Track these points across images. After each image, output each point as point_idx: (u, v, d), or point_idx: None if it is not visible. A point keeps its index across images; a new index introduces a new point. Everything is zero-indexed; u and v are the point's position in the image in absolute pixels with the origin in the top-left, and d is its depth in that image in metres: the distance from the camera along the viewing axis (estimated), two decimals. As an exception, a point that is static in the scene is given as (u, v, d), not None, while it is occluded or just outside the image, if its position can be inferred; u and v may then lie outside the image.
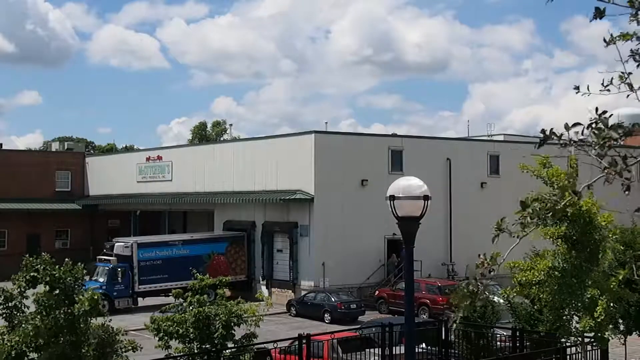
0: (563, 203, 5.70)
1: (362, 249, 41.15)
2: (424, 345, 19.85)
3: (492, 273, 6.05)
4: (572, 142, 5.53)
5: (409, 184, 9.77)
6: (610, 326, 18.02)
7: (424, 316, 34.87)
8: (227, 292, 17.48)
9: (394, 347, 19.12)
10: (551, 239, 15.82)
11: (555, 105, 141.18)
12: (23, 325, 14.22)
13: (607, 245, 16.02)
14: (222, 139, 79.22)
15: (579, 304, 15.67)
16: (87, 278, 16.78)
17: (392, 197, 9.60)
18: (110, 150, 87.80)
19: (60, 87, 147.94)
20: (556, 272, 15.38)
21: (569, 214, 15.22)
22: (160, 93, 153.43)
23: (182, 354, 16.09)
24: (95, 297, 14.67)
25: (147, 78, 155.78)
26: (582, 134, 5.50)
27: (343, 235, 40.84)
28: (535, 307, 17.87)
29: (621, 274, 13.26)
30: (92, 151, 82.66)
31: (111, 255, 41.36)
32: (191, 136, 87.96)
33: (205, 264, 41.11)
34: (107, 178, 57.93)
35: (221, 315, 15.87)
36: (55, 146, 69.70)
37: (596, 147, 5.33)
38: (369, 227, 40.70)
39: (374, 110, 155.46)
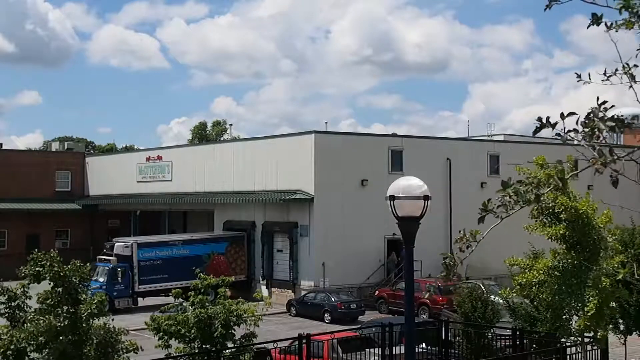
0: (547, 190, 5.69)
1: (362, 249, 41.14)
2: (424, 345, 19.85)
3: (470, 249, 6.11)
4: (566, 131, 5.49)
5: (409, 184, 9.77)
6: (610, 326, 18.05)
7: (424, 316, 34.88)
8: (227, 292, 17.47)
9: (394, 347, 19.12)
10: (550, 240, 15.82)
11: (555, 105, 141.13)
12: (26, 324, 14.23)
13: (606, 245, 16.01)
14: (222, 139, 79.20)
15: (579, 304, 15.67)
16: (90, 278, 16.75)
17: (392, 197, 9.60)
18: (110, 150, 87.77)
19: (60, 87, 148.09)
20: (556, 272, 15.38)
21: (564, 218, 15.24)
22: (160, 93, 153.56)
23: (182, 354, 16.09)
24: (102, 299, 14.69)
25: (147, 78, 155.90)
26: (577, 124, 5.48)
27: (343, 235, 40.83)
28: (535, 306, 17.88)
29: (621, 273, 13.25)
30: (92, 151, 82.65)
31: (111, 255, 41.36)
32: (191, 136, 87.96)
33: (205, 264, 41.08)
34: (107, 178, 57.92)
35: (220, 314, 15.87)
36: (55, 146, 69.70)
37: (586, 138, 5.32)
38: (369, 227, 40.69)
39: (374, 110, 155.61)
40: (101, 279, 39.97)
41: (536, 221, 15.77)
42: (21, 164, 57.33)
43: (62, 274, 14.31)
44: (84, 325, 14.30)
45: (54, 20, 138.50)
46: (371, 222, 40.18)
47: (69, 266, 14.57)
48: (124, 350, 14.84)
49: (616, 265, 16.23)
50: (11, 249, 53.48)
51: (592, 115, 5.35)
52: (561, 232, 15.30)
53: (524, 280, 15.77)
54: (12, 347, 13.81)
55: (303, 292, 39.58)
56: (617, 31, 5.43)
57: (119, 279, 40.30)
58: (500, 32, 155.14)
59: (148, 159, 54.42)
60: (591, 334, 16.09)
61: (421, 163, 42.00)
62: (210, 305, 16.28)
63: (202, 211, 50.84)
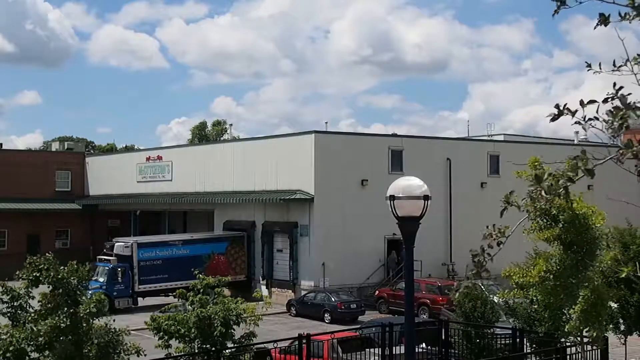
0: (578, 177, 5.47)
1: (362, 249, 41.15)
2: (424, 345, 19.85)
3: (500, 246, 5.87)
4: (586, 119, 5.32)
5: (409, 184, 9.77)
6: (611, 326, 18.05)
7: (424, 316, 34.88)
8: (227, 292, 17.48)
9: (394, 347, 19.12)
10: (547, 242, 15.80)
11: (555, 105, 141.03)
12: (26, 326, 14.22)
13: (601, 245, 16.02)
14: (222, 139, 79.21)
15: (576, 305, 15.67)
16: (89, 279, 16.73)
17: (392, 197, 9.60)
18: (110, 150, 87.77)
19: (60, 87, 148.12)
20: (550, 275, 15.35)
21: (561, 220, 15.24)
22: (160, 93, 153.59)
23: (182, 354, 16.08)
24: (101, 298, 14.67)
25: (147, 78, 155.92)
26: (597, 112, 5.29)
27: (343, 235, 40.83)
28: (534, 307, 17.88)
29: (624, 271, 13.23)
30: (92, 151, 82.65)
31: (111, 255, 41.36)
32: (191, 136, 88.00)
33: (205, 264, 41.10)
34: (107, 178, 57.92)
35: (219, 313, 15.86)
36: (55, 146, 69.71)
37: (612, 127, 5.15)
38: (369, 227, 40.69)
39: (374, 110, 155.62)
40: (101, 279, 39.98)
41: (532, 223, 15.75)
42: (21, 164, 57.31)
43: (60, 277, 14.26)
44: (84, 325, 14.29)
45: (54, 20, 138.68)
46: (371, 222, 40.17)
47: (67, 267, 14.52)
48: (126, 352, 14.82)
49: (609, 262, 16.23)
50: (11, 249, 53.50)
51: (611, 100, 5.15)
52: (556, 232, 15.29)
53: (521, 280, 15.75)
54: (11, 348, 13.79)
55: (303, 292, 39.58)
56: (630, 22, 5.31)
57: (119, 279, 40.30)
58: (499, 32, 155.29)
59: (148, 159, 54.42)
60: (589, 335, 16.09)
61: (421, 163, 41.99)
62: (213, 305, 16.26)
63: (202, 211, 50.84)
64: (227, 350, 16.26)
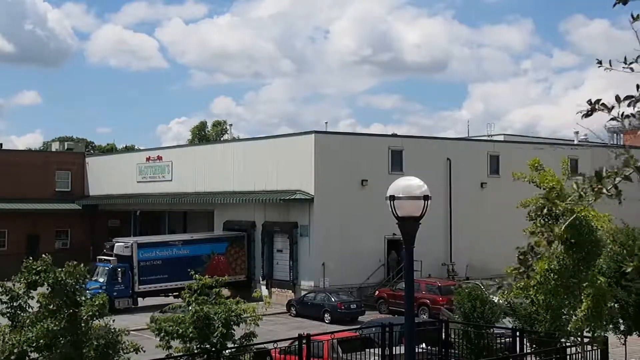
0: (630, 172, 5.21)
1: (362, 249, 41.14)
2: (424, 345, 19.85)
3: (552, 245, 5.58)
4: (623, 116, 5.15)
5: (409, 184, 9.77)
6: (610, 326, 18.05)
7: (424, 316, 34.88)
8: (227, 292, 17.47)
9: (394, 347, 19.12)
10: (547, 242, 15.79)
11: (555, 105, 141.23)
12: (25, 328, 14.20)
13: (604, 245, 16.03)
14: (222, 139, 79.22)
15: (576, 304, 15.68)
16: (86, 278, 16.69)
17: (392, 197, 9.60)
18: (110, 150, 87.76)
19: (60, 87, 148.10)
20: (552, 274, 15.37)
21: (562, 221, 15.23)
22: (160, 93, 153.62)
23: (182, 354, 16.07)
24: (103, 301, 14.65)
25: (147, 78, 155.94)
26: (633, 107, 5.11)
27: (343, 235, 40.83)
28: (535, 307, 17.87)
29: (630, 266, 13.24)
30: (92, 151, 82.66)
31: (111, 255, 41.34)
32: (191, 136, 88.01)
33: (205, 264, 41.12)
34: (107, 178, 57.91)
35: (220, 314, 15.86)
36: (55, 146, 69.71)
37: None
38: (369, 227, 40.69)
39: (374, 110, 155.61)
40: (101, 279, 39.97)
41: (533, 223, 15.76)
42: (21, 164, 57.32)
43: (58, 278, 14.23)
44: (83, 326, 14.28)
45: (53, 20, 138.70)
46: (371, 222, 40.17)
47: (64, 269, 14.47)
48: (125, 351, 14.82)
49: (607, 260, 16.24)
50: (11, 249, 53.50)
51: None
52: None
53: (522, 283, 15.75)
54: (15, 350, 13.80)
55: (303, 292, 39.58)
56: None
57: (119, 279, 40.29)
58: (499, 32, 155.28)
59: (148, 159, 54.41)
60: (590, 334, 16.09)
61: (421, 163, 41.99)
62: (209, 305, 16.25)
63: (202, 211, 50.84)
64: (227, 351, 16.25)
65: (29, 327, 14.14)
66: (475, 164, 46.47)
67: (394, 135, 50.29)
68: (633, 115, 5.16)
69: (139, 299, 41.29)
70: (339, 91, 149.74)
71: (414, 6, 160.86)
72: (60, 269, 14.48)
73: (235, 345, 16.36)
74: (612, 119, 5.24)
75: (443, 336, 20.51)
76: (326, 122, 74.29)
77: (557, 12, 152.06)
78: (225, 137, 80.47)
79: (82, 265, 14.96)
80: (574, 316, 16.25)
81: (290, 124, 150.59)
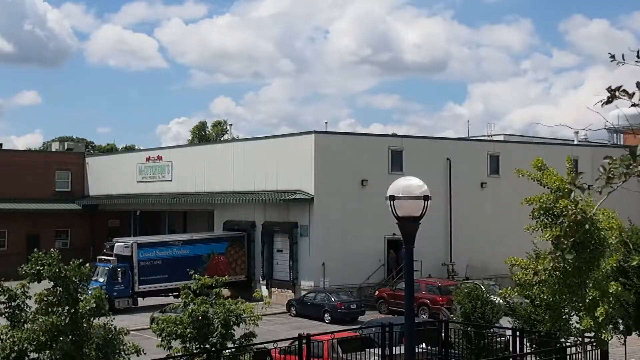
0: None
1: (362, 249, 41.13)
2: (424, 345, 19.85)
3: (583, 227, 5.47)
4: None
5: (409, 184, 9.77)
6: (610, 326, 18.04)
7: (424, 316, 34.88)
8: (227, 292, 17.46)
9: (394, 347, 19.12)
10: (551, 240, 15.81)
11: (555, 105, 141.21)
12: (26, 325, 14.21)
13: (608, 246, 16.02)
14: (222, 139, 79.22)
15: (580, 304, 15.68)
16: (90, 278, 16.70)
17: (392, 197, 9.60)
18: (110, 150, 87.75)
19: (60, 87, 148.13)
20: (557, 272, 15.38)
21: (567, 222, 15.21)
22: (160, 93, 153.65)
23: (181, 354, 16.06)
24: (101, 295, 14.66)
25: (146, 78, 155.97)
26: None
27: (343, 235, 40.83)
28: (535, 307, 17.87)
29: (635, 259, 13.28)
30: (92, 151, 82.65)
31: (111, 255, 41.34)
32: (191, 136, 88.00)
33: (205, 264, 41.12)
34: (107, 178, 57.91)
35: (219, 314, 15.84)
36: (55, 146, 69.70)
37: None
38: (369, 227, 40.69)
39: (374, 110, 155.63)
40: (101, 279, 39.93)
41: (537, 222, 15.78)
42: (21, 164, 57.32)
43: (62, 274, 14.28)
44: (84, 324, 14.28)
45: (53, 20, 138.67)
46: (371, 222, 40.17)
47: (70, 266, 14.54)
48: (125, 352, 14.80)
49: (614, 265, 16.24)
50: (11, 249, 53.49)
51: None
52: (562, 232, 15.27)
53: (525, 278, 15.76)
54: (15, 347, 13.80)
55: (303, 292, 39.57)
56: None
57: (119, 279, 40.28)
58: (499, 32, 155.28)
59: (148, 159, 54.41)
60: (592, 334, 16.09)
61: (421, 163, 42.00)
62: (209, 305, 16.23)
63: (202, 211, 50.84)
64: (227, 351, 16.24)
65: (29, 324, 14.14)
66: (475, 164, 46.46)
67: (394, 135, 50.26)
68: None
69: (139, 299, 41.28)
70: (338, 91, 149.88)
71: (414, 6, 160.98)
72: (64, 266, 14.51)
73: (235, 345, 16.36)
74: (633, 105, 5.20)
75: (443, 336, 20.51)
76: (326, 122, 74.38)
77: (556, 12, 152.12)
78: (225, 137, 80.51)
79: (87, 265, 14.99)
80: (575, 316, 16.26)
81: (290, 124, 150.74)
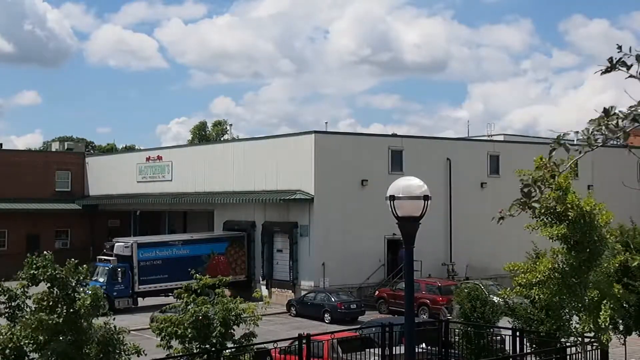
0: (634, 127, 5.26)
1: (362, 249, 41.14)
2: (424, 345, 19.84)
3: (555, 179, 5.64)
4: None
5: (409, 184, 9.77)
6: (610, 326, 18.06)
7: (424, 316, 34.88)
8: (227, 292, 17.44)
9: (394, 347, 19.12)
10: (551, 240, 15.83)
11: (555, 105, 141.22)
12: (26, 317, 14.21)
13: (607, 245, 16.03)
14: (222, 139, 79.23)
15: (579, 305, 15.69)
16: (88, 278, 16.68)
17: (392, 197, 9.59)
18: (110, 150, 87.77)
19: (60, 87, 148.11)
20: (556, 273, 15.39)
21: (570, 217, 15.24)
22: (159, 93, 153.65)
23: (181, 354, 16.05)
24: (97, 292, 14.65)
25: (146, 78, 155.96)
26: None
27: (343, 235, 40.83)
28: (535, 307, 17.88)
29: (636, 260, 13.29)
30: (92, 151, 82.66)
31: (111, 255, 41.35)
32: (191, 136, 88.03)
33: (205, 264, 41.12)
34: (107, 178, 57.91)
35: (218, 313, 15.83)
36: (55, 146, 69.71)
37: None
38: (369, 227, 40.69)
39: (373, 110, 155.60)
40: (101, 279, 39.94)
41: (537, 220, 15.78)
42: (21, 164, 57.32)
43: (58, 275, 14.26)
44: (84, 324, 14.27)
45: (53, 20, 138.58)
46: (371, 222, 40.18)
47: (66, 267, 14.52)
48: (126, 352, 14.79)
49: (616, 265, 16.26)
50: (11, 249, 53.50)
51: None
52: (562, 232, 15.30)
53: (524, 280, 15.77)
54: (10, 345, 13.79)
55: (303, 292, 39.57)
56: None
57: (119, 279, 40.29)
58: (498, 32, 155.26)
59: (148, 159, 54.41)
60: (592, 334, 16.10)
61: (421, 163, 42.01)
62: (209, 305, 16.22)
63: (202, 211, 50.84)
64: (227, 351, 16.23)
65: (26, 319, 14.14)
66: (475, 164, 46.46)
67: (394, 135, 50.28)
68: None
69: (139, 299, 41.29)
70: (338, 91, 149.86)
71: (414, 6, 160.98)
72: (61, 268, 14.50)
73: (235, 345, 16.35)
74: (630, 77, 5.27)
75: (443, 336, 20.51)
76: (326, 122, 74.44)
77: (556, 12, 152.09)
78: (225, 137, 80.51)
79: (84, 265, 14.98)
80: (575, 316, 16.26)
81: (289, 124, 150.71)
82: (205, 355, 15.95)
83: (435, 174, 42.19)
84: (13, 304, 14.70)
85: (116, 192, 56.35)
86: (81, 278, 14.66)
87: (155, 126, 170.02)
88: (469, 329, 20.02)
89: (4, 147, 64.53)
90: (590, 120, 5.36)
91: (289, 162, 42.20)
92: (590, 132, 5.34)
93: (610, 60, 5.30)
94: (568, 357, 17.01)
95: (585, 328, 15.66)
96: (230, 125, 78.86)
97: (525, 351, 18.32)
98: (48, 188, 58.16)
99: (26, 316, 14.40)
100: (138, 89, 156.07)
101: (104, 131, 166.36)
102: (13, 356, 13.92)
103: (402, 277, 36.02)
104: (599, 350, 17.45)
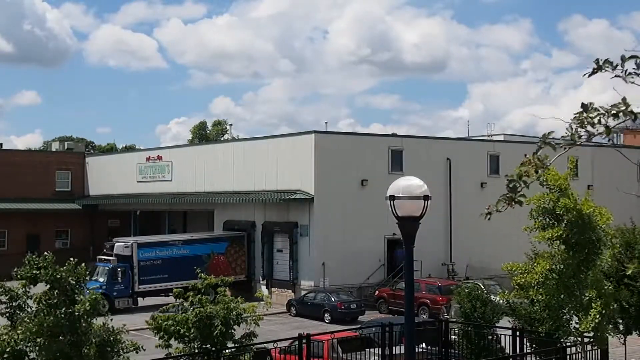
0: (617, 123, 5.33)
1: (362, 249, 41.14)
2: (424, 345, 19.84)
3: (539, 172, 5.74)
4: (626, 73, 5.30)
5: (409, 184, 9.77)
6: (610, 326, 18.06)
7: (424, 316, 34.88)
8: (227, 292, 17.44)
9: (394, 347, 19.12)
10: (548, 241, 15.83)
11: (555, 105, 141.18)
12: (25, 322, 14.20)
13: (605, 245, 16.04)
14: (222, 138, 79.21)
15: (577, 305, 15.69)
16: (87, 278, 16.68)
17: (392, 197, 9.60)
18: (110, 150, 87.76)
19: (59, 87, 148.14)
20: (554, 274, 15.39)
21: (566, 219, 15.25)
22: (159, 93, 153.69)
23: (182, 354, 16.06)
24: (96, 297, 14.65)
25: (146, 78, 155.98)
26: (638, 67, 5.27)
27: (343, 235, 40.83)
28: (535, 307, 17.88)
29: (630, 268, 13.28)
30: (92, 151, 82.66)
31: (111, 255, 41.35)
32: (191, 136, 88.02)
33: (205, 264, 41.08)
34: (107, 178, 57.92)
35: (220, 312, 15.84)
36: (55, 146, 69.71)
37: None
38: (369, 227, 40.69)
39: (373, 110, 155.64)
40: (101, 279, 39.97)
41: (535, 222, 15.79)
42: (21, 164, 57.33)
43: (58, 276, 14.26)
44: (82, 325, 14.27)
45: (52, 20, 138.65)
46: (371, 222, 40.18)
47: (65, 267, 14.51)
48: (124, 350, 14.81)
49: (608, 260, 16.26)
50: (11, 249, 53.49)
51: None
52: (560, 233, 15.31)
53: (522, 280, 15.78)
54: (8, 349, 13.78)
55: (303, 292, 39.57)
56: None
57: (119, 279, 40.30)
58: (498, 32, 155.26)
59: (148, 159, 54.42)
60: (591, 334, 16.10)
61: (421, 163, 42.01)
62: (210, 305, 16.23)
63: (202, 211, 50.84)
64: (227, 350, 16.24)
65: (25, 324, 14.14)
66: (475, 164, 46.46)
67: (394, 135, 50.27)
68: (637, 73, 5.30)
69: (139, 299, 41.30)
70: (338, 91, 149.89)
71: (413, 6, 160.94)
72: (61, 268, 14.50)
73: (236, 345, 16.35)
74: (616, 76, 5.32)
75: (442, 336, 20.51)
76: (326, 122, 74.45)
77: (555, 12, 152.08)
78: (225, 137, 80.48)
79: (82, 264, 14.97)
80: (575, 316, 16.27)
81: (289, 124, 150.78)
82: (205, 355, 15.95)
83: (435, 174, 42.19)
84: (14, 304, 14.69)
85: (116, 192, 56.36)
86: (80, 279, 14.66)
87: (155, 126, 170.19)
88: (468, 328, 20.02)
89: (4, 147, 64.54)
90: (572, 117, 5.43)
91: (289, 162, 42.20)
92: (573, 129, 5.40)
93: (597, 61, 5.36)
94: (568, 357, 17.01)
95: (582, 328, 15.66)
96: (230, 125, 78.85)
97: (525, 351, 18.32)
98: (48, 188, 58.16)
99: (26, 319, 14.38)
100: (138, 89, 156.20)
101: (104, 131, 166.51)
102: (13, 358, 13.92)
103: (402, 277, 36.03)
104: (599, 350, 17.45)
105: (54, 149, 68.03)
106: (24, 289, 14.71)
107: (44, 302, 14.24)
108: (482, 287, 22.86)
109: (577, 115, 5.38)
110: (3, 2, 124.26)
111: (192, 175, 49.62)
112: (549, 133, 5.62)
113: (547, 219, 15.65)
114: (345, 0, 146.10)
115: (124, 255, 41.09)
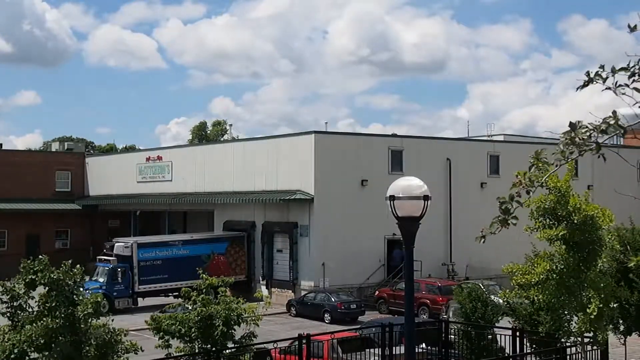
0: (608, 137, 5.43)
1: (362, 249, 41.14)
2: (424, 345, 19.85)
3: (530, 194, 5.84)
4: (617, 85, 5.36)
5: (409, 184, 9.77)
6: (610, 326, 18.08)
7: (424, 316, 34.89)
8: (227, 292, 17.44)
9: (394, 347, 19.12)
10: (549, 241, 15.84)
11: (554, 105, 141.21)
12: (26, 326, 14.21)
13: (605, 245, 16.04)
14: (222, 139, 79.22)
15: (577, 305, 15.69)
16: (87, 278, 16.70)
17: (392, 197, 9.60)
18: (110, 150, 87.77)
19: (59, 87, 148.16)
20: (554, 275, 15.40)
21: (575, 220, 15.26)
22: (159, 93, 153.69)
23: (182, 354, 16.06)
24: (98, 299, 14.65)
25: (145, 78, 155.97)
26: (629, 79, 5.35)
27: (343, 235, 40.83)
28: (535, 307, 17.88)
29: (633, 261, 13.30)
30: (92, 151, 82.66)
31: (111, 256, 41.35)
32: (191, 136, 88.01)
33: (205, 264, 41.06)
34: (107, 178, 57.92)
35: (221, 312, 15.84)
36: (55, 146, 69.73)
37: None
38: (369, 227, 40.69)
39: (373, 111, 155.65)
40: (101, 279, 39.99)
41: (535, 222, 15.79)
42: (21, 164, 57.31)
43: (54, 277, 14.27)
44: (82, 326, 14.29)
45: (52, 20, 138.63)
46: (371, 222, 40.18)
47: (61, 269, 14.51)
48: (124, 351, 14.82)
49: (605, 260, 16.28)
50: (11, 249, 53.49)
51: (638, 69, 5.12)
52: (561, 233, 15.32)
53: (523, 280, 15.78)
54: (6, 352, 13.80)
55: (303, 292, 39.58)
56: None
57: (119, 279, 40.29)
58: (497, 32, 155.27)
59: (148, 159, 54.42)
60: (591, 334, 16.10)
61: (421, 163, 42.02)
62: (213, 305, 16.23)
63: (202, 211, 50.84)
64: (227, 350, 16.24)
65: (28, 326, 14.15)
66: (475, 164, 46.47)
67: (394, 135, 50.29)
68: (627, 85, 5.36)
69: (139, 299, 41.29)
70: (337, 91, 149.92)
71: (412, 6, 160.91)
72: (57, 270, 14.49)
73: (236, 345, 16.35)
74: (607, 89, 5.40)
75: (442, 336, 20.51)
76: (326, 122, 74.46)
77: (555, 12, 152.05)
78: (225, 137, 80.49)
79: (78, 265, 14.96)
80: (575, 316, 16.28)
81: (289, 124, 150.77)
82: (206, 355, 15.96)
83: (435, 174, 42.20)
84: (15, 303, 14.69)
85: (116, 192, 56.36)
86: (77, 280, 14.66)
87: (155, 126, 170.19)
88: (469, 328, 20.02)
89: (3, 147, 64.54)
90: (561, 135, 5.54)
91: (289, 162, 42.21)
92: (562, 146, 5.54)
93: (587, 74, 5.44)
94: (568, 357, 17.02)
95: (582, 327, 15.67)
96: (230, 125, 78.84)
97: (525, 351, 18.32)
98: (48, 188, 58.16)
99: (26, 322, 14.38)
100: (137, 89, 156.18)
101: (103, 131, 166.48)
102: (13, 358, 13.93)
103: (402, 277, 36.04)
104: (599, 350, 17.45)
105: (53, 149, 68.04)
106: (25, 289, 14.70)
107: (44, 305, 14.24)
108: (482, 287, 22.85)
109: (566, 133, 5.47)
110: (3, 2, 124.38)
111: (192, 175, 49.62)
112: (541, 150, 5.74)
113: (548, 220, 15.66)
114: (345, 0, 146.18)
115: (123, 255, 41.09)
